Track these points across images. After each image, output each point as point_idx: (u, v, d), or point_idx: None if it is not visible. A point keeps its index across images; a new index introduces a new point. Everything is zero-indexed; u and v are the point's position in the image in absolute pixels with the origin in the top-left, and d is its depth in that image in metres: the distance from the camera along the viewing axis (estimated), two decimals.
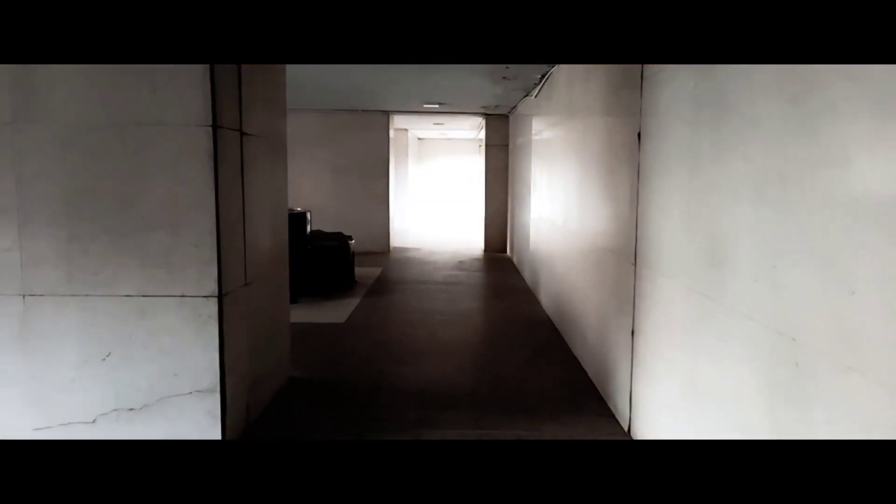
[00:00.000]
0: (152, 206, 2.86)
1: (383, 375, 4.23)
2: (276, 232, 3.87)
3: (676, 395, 2.65)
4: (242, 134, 3.19)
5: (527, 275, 7.93)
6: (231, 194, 3.05)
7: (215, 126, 2.84)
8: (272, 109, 3.72)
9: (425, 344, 5.03)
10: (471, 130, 14.55)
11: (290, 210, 7.66)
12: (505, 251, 10.85)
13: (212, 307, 2.89)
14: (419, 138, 18.20)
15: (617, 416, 3.49)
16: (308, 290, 6.79)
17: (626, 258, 3.38)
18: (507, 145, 10.79)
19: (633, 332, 3.24)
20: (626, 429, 3.32)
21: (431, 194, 19.09)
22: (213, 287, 2.89)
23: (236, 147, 3.12)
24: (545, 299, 6.31)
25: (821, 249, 1.65)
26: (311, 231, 7.91)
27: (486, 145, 11.15)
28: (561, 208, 5.47)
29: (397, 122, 12.21)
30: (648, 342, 3.01)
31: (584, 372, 4.27)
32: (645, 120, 3.09)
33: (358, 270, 8.15)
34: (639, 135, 3.17)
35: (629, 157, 3.33)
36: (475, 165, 17.85)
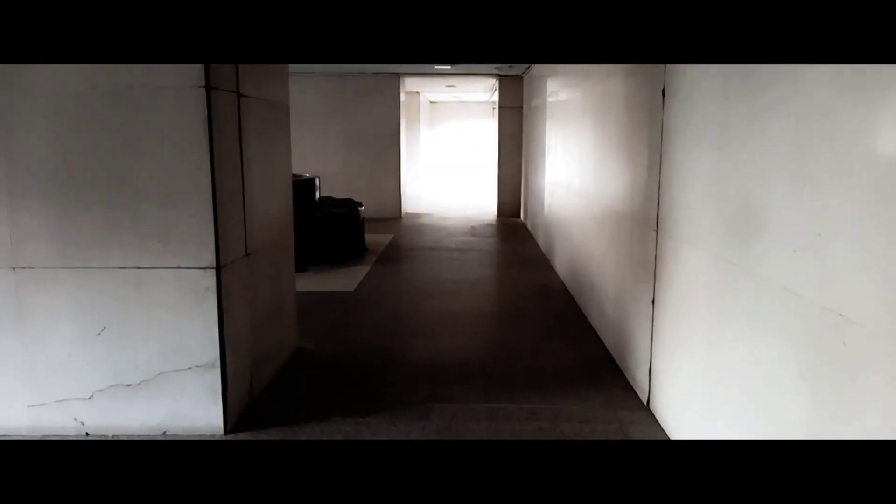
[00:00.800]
0: (146, 176, 2.71)
1: (393, 347, 4.10)
2: (280, 199, 3.71)
3: (699, 369, 2.49)
4: (240, 96, 3.01)
5: (541, 241, 7.74)
6: (229, 161, 2.89)
7: (209, 87, 2.66)
8: (272, 70, 3.53)
9: (436, 314, 4.90)
10: (484, 93, 14.22)
11: (297, 176, 7.51)
12: (518, 216, 10.65)
13: (210, 279, 2.76)
14: (431, 102, 17.86)
15: (636, 389, 3.34)
16: (317, 257, 6.66)
17: (646, 225, 3.19)
18: (522, 108, 10.49)
19: (653, 303, 3.07)
20: (644, 402, 3.18)
21: (444, 159, 18.83)
22: (210, 258, 2.75)
23: (233, 110, 2.95)
24: (560, 266, 6.14)
25: (875, 217, 1.46)
26: (321, 198, 7.75)
27: (500, 108, 10.86)
28: (577, 172, 5.26)
29: (408, 85, 11.93)
30: (670, 313, 2.84)
31: (602, 343, 4.12)
32: (670, 76, 2.87)
33: (369, 237, 8.00)
34: (663, 92, 2.95)
35: (652, 117, 3.12)
36: (489, 129, 17.54)
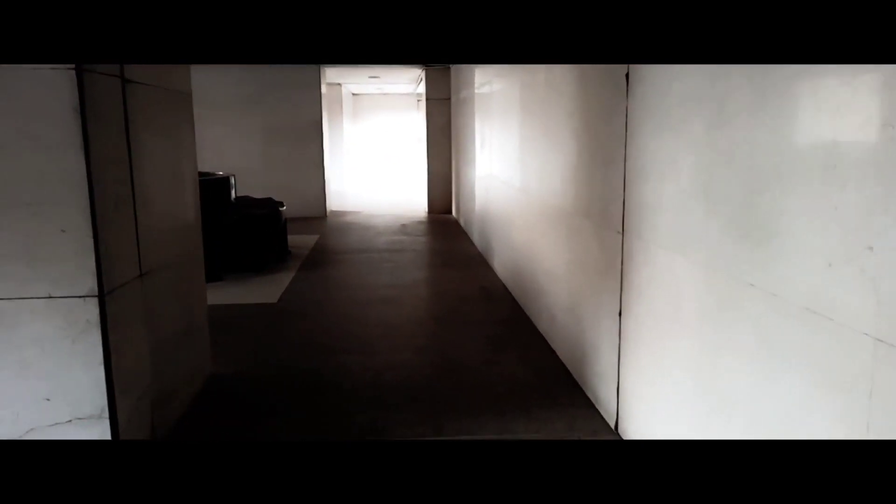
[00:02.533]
0: (1, 181, 2.12)
1: (323, 368, 3.62)
2: (184, 204, 3.16)
3: (686, 394, 2.16)
4: (125, 81, 2.45)
5: (476, 239, 7.38)
6: (113, 160, 2.34)
7: (80, 69, 2.11)
8: None
9: (371, 326, 4.44)
10: (409, 84, 13.76)
11: (209, 175, 6.85)
12: (450, 212, 10.27)
13: (91, 310, 2.21)
14: (354, 94, 17.24)
15: (599, 409, 3.01)
16: (235, 265, 6.05)
17: (608, 226, 2.85)
18: (450, 99, 10.10)
19: (620, 314, 2.73)
20: (612, 425, 2.84)
21: (370, 154, 18.24)
22: (90, 284, 2.20)
23: (117, 97, 2.39)
24: (500, 268, 5.79)
25: None
26: (238, 198, 7.11)
27: (427, 99, 10.43)
28: (517, 167, 4.90)
29: (329, 75, 11.32)
30: (644, 327, 2.51)
31: (555, 354, 3.78)
32: None
33: (292, 239, 7.42)
34: (626, 76, 2.60)
35: (612, 105, 2.77)
36: (415, 122, 17.10)
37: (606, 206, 2.87)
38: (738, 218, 1.83)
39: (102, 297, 2.22)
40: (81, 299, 2.20)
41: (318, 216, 9.98)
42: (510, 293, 5.18)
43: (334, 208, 10.89)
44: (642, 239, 2.48)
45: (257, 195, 8.65)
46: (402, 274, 6.04)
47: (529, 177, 4.49)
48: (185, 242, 3.13)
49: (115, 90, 2.37)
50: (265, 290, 5.40)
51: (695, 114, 2.07)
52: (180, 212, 3.08)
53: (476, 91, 7.15)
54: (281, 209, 6.79)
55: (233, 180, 6.66)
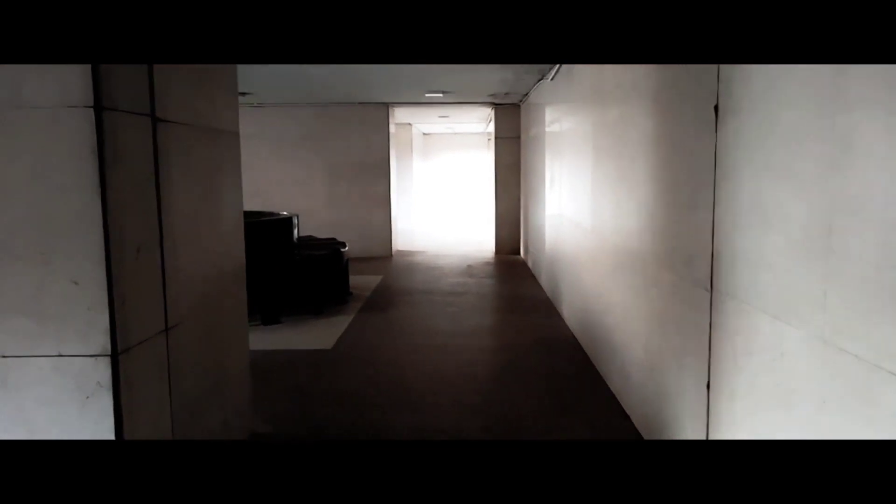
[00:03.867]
0: (8, 226, 1.95)
1: (369, 428, 3.31)
2: (227, 247, 2.96)
3: None
4: (157, 120, 2.28)
5: (544, 282, 6.98)
6: (136, 203, 2.14)
7: (100, 107, 1.93)
8: (211, 87, 2.81)
9: (425, 379, 4.11)
10: (479, 123, 13.61)
11: (272, 214, 6.80)
12: (518, 253, 9.91)
13: (102, 371, 1.98)
14: (424, 133, 17.28)
15: None
16: (294, 306, 5.89)
17: (692, 280, 2.44)
18: (519, 137, 9.83)
19: (708, 386, 2.30)
20: None
21: (439, 193, 18.16)
22: (103, 341, 1.98)
23: (145, 138, 2.21)
24: (569, 314, 5.37)
25: None
26: (300, 237, 7.01)
27: (496, 138, 10.20)
28: (588, 208, 4.52)
29: (399, 115, 11.29)
30: (739, 405, 2.07)
31: (627, 419, 3.34)
32: (726, 86, 2.15)
33: (355, 279, 7.24)
34: (716, 108, 2.22)
35: (698, 142, 2.39)
36: (484, 161, 16.93)
37: (691, 258, 2.47)
38: (871, 283, 1.41)
39: (116, 357, 1.99)
40: (92, 359, 1.98)
41: (383, 256, 9.82)
42: (579, 344, 4.75)
43: (400, 248, 10.73)
44: (737, 300, 2.06)
45: (323, 235, 8.60)
46: (464, 319, 5.71)
47: (601, 218, 4.10)
48: (224, 290, 2.92)
49: (142, 129, 2.19)
50: (321, 335, 5.18)
51: (807, 151, 1.67)
52: (219, 257, 2.88)
53: (546, 129, 6.84)
54: (343, 250, 6.63)
55: (296, 220, 6.56)
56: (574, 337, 4.97)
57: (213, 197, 2.83)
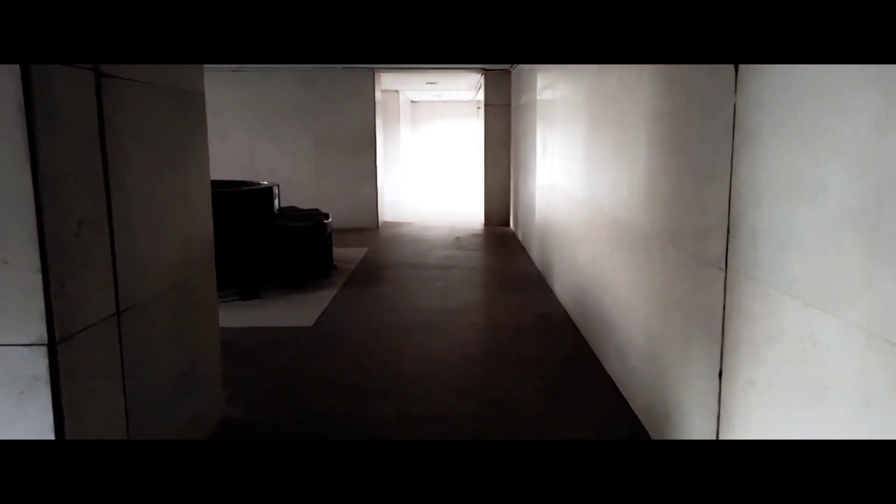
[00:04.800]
0: None
1: (353, 415, 3.10)
2: (189, 222, 2.70)
3: None
4: (100, 76, 1.99)
5: (535, 255, 6.76)
6: (74, 174, 1.88)
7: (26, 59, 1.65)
8: None
9: (412, 361, 3.89)
10: (468, 90, 13.25)
11: (252, 184, 6.51)
12: (508, 225, 9.67)
13: (39, 361, 1.74)
14: (412, 101, 16.87)
15: None
16: (275, 280, 5.65)
17: (702, 258, 2.22)
18: (510, 105, 9.52)
19: (720, 375, 2.10)
20: None
21: (427, 162, 17.82)
22: (38, 329, 1.73)
23: (87, 96, 1.94)
24: (561, 290, 5.16)
25: None
26: (282, 208, 6.74)
27: (486, 106, 9.87)
28: (583, 179, 4.28)
29: (385, 82, 10.92)
30: (757, 399, 1.87)
31: (626, 404, 3.14)
32: None
33: (340, 251, 6.99)
34: (736, 67, 1.97)
35: (713, 105, 2.15)
36: (474, 130, 16.59)
37: (702, 234, 2.24)
38: None
39: (54, 346, 1.75)
40: (27, 348, 1.74)
41: (370, 227, 9.56)
42: (573, 323, 4.55)
43: (388, 219, 10.46)
44: (759, 282, 1.84)
45: (308, 206, 8.31)
46: (453, 295, 5.49)
47: (598, 191, 3.86)
48: (187, 268, 2.66)
49: (83, 86, 1.92)
50: (302, 311, 4.94)
51: (849, 107, 1.44)
52: (182, 232, 2.62)
53: (538, 96, 6.55)
54: (326, 221, 6.36)
55: (276, 190, 6.27)
56: (568, 315, 4.77)
57: (175, 166, 2.56)
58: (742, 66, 1.94)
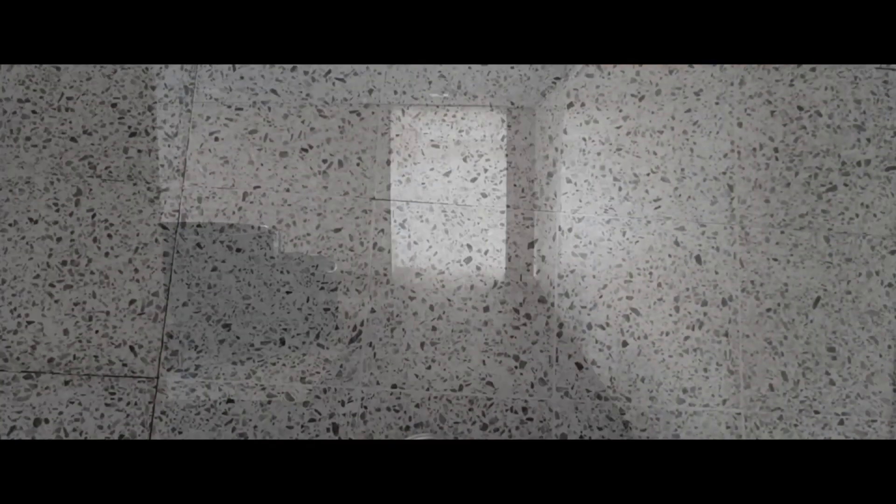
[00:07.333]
0: None
1: None
2: None
3: None
4: None
5: None
6: None
7: None
8: None
9: None
10: (491, 128, 13.22)
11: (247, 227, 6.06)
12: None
13: None
14: (432, 143, 16.92)
15: None
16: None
17: None
18: (533, 145, 9.33)
19: None
20: None
21: (443, 203, 17.74)
22: None
23: None
24: None
25: None
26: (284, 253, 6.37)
27: (510, 146, 9.69)
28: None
29: (399, 118, 10.83)
30: None
31: None
32: None
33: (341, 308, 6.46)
34: None
35: None
36: (498, 166, 16.58)
37: None
38: None
39: None
40: None
41: (376, 278, 9.21)
42: None
43: (400, 265, 10.14)
44: None
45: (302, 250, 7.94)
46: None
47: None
48: None
49: None
50: None
51: None
52: None
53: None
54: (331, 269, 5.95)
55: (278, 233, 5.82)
56: None
57: None
58: None
